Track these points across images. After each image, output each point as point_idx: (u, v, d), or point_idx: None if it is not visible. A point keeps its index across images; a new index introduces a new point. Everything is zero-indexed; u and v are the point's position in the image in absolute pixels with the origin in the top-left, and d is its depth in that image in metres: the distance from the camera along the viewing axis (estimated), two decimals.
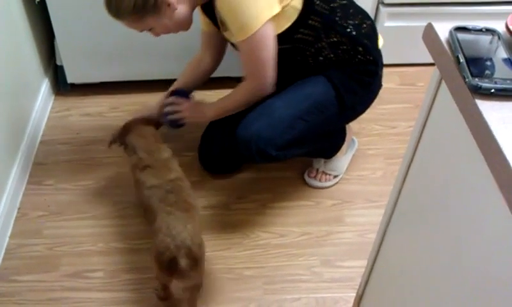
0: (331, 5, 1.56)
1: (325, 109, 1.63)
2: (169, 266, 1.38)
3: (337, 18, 1.56)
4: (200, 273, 1.46)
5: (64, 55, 2.12)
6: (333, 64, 1.61)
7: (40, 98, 2.10)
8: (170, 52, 2.04)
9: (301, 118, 1.60)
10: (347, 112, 1.69)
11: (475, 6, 2.10)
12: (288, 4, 1.49)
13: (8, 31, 1.85)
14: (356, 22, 1.60)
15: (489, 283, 0.72)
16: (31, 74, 2.07)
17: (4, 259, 1.67)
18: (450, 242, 0.83)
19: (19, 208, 1.82)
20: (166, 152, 1.64)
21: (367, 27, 1.63)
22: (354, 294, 1.38)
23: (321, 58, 1.61)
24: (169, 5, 1.49)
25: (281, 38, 1.54)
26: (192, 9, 1.58)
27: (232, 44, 1.66)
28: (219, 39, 1.75)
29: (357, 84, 1.64)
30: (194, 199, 1.55)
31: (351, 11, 1.61)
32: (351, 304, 1.41)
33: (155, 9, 1.48)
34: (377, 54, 1.66)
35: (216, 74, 1.88)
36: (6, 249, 1.70)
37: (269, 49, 1.53)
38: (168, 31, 1.58)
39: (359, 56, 1.60)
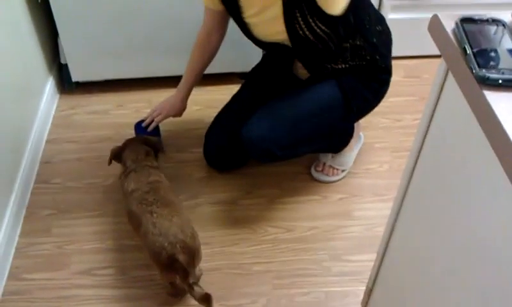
0: (365, 10, 1.57)
1: (330, 111, 1.63)
2: (169, 265, 1.39)
3: (366, 22, 1.56)
4: (199, 260, 1.47)
5: (69, 54, 2.12)
6: (348, 70, 1.61)
7: (44, 97, 2.10)
8: (174, 49, 2.05)
9: (305, 119, 1.60)
10: (353, 116, 1.70)
11: None
12: None
13: (11, 30, 1.85)
14: (378, 28, 1.61)
15: (500, 274, 0.72)
16: (36, 73, 2.07)
17: (14, 258, 1.68)
18: (460, 234, 0.83)
19: (27, 207, 1.83)
20: (152, 162, 1.68)
21: (386, 36, 1.65)
22: (364, 288, 1.38)
23: (340, 61, 1.59)
24: None
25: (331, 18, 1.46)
26: None
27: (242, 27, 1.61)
28: (227, 17, 1.69)
29: (368, 91, 1.65)
30: (173, 195, 1.57)
31: (376, 17, 1.63)
32: (361, 297, 1.41)
33: None
34: (391, 63, 1.67)
35: (218, 70, 1.87)
36: (16, 248, 1.71)
37: None
38: None
39: (375, 63, 1.61)
